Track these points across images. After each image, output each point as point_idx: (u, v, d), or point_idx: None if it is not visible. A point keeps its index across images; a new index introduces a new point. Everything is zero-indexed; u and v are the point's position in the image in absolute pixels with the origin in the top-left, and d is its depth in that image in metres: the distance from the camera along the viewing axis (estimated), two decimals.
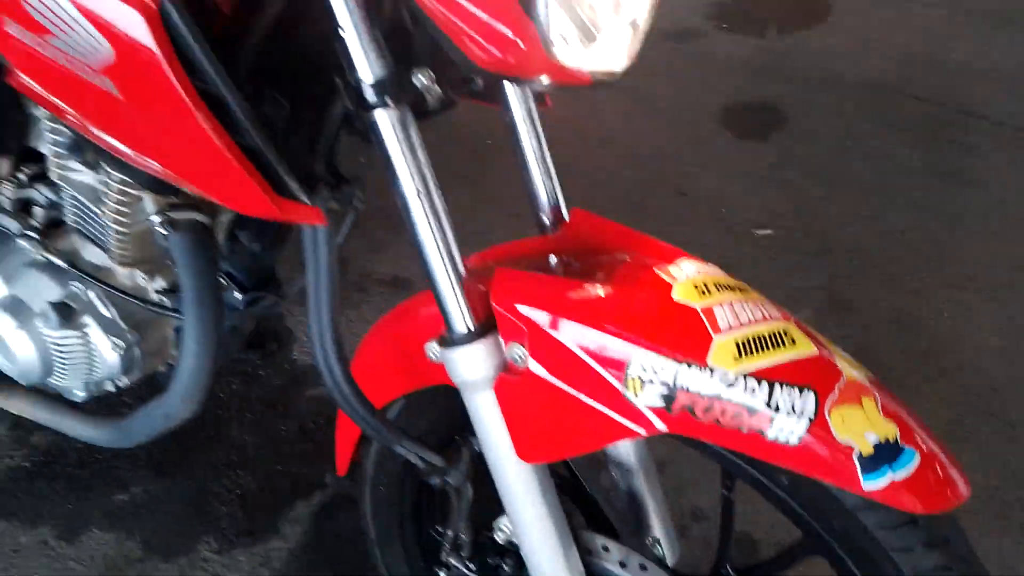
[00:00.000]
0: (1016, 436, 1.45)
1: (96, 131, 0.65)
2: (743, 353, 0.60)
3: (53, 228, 0.99)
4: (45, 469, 1.42)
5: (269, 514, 1.35)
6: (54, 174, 0.92)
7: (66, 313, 0.95)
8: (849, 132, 2.15)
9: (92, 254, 0.97)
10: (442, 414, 0.84)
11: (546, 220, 0.80)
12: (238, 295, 0.96)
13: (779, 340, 0.62)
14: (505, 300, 0.65)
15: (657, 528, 0.85)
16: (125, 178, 0.84)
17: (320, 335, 0.70)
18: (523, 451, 0.68)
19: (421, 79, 0.62)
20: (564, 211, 0.79)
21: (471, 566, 0.81)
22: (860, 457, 0.58)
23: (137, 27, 0.55)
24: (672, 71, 2.36)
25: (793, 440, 0.59)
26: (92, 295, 0.97)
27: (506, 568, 0.81)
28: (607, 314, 0.62)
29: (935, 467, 0.60)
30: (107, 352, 0.98)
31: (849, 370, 0.63)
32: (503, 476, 0.71)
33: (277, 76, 0.66)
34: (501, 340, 0.66)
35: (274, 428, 1.49)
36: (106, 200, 0.88)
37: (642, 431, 0.62)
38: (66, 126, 0.79)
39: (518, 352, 0.65)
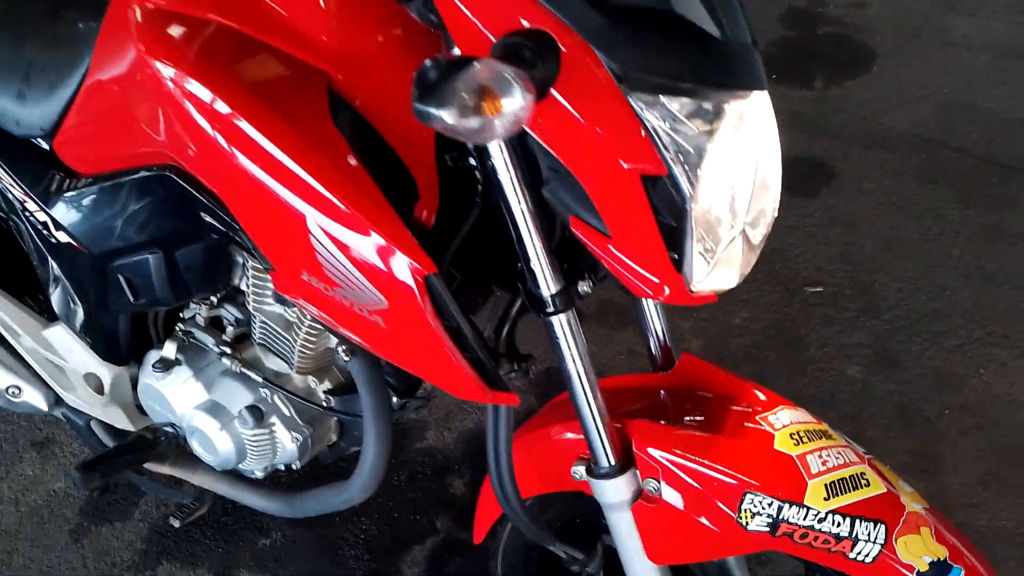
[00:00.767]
0: None
1: (349, 334, 0.86)
2: (830, 495, 0.80)
3: (240, 342, 1.21)
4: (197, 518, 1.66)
5: (391, 557, 1.58)
6: (251, 305, 1.13)
7: (257, 414, 1.17)
8: (895, 188, 2.30)
9: (274, 363, 1.19)
10: (569, 508, 1.05)
11: (658, 359, 1.00)
12: (395, 399, 1.18)
13: (858, 483, 0.81)
14: (643, 446, 0.85)
15: None
16: (316, 322, 1.05)
17: (498, 471, 0.91)
18: (653, 555, 0.88)
19: (583, 287, 0.82)
20: (673, 354, 0.99)
21: None
22: (919, 574, 0.78)
23: (410, 292, 0.74)
24: None
25: (868, 560, 0.79)
26: (276, 399, 1.19)
27: None
28: (725, 460, 0.82)
29: None
30: (288, 444, 1.20)
31: (911, 504, 0.82)
32: (635, 571, 0.91)
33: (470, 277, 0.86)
34: (638, 474, 0.86)
35: (388, 478, 1.71)
36: (297, 329, 1.10)
37: (751, 548, 0.82)
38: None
39: (652, 485, 0.85)
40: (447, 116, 0.53)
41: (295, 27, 0.80)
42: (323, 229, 0.75)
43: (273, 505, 1.29)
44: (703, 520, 0.83)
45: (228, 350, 1.19)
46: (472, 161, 0.83)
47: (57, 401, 1.41)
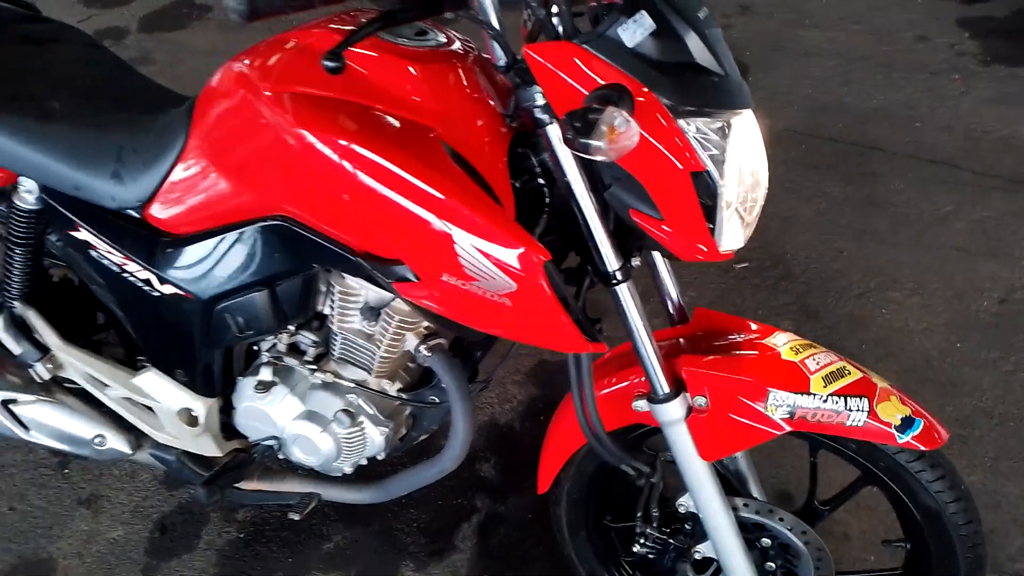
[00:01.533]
0: (948, 391, 2.05)
1: (464, 323, 1.12)
2: (827, 383, 1.13)
3: (318, 360, 1.43)
4: (258, 536, 1.83)
5: (445, 536, 1.81)
6: (336, 324, 1.35)
7: (350, 415, 1.40)
8: (786, 176, 2.75)
9: (352, 372, 1.41)
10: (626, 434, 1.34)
11: (675, 316, 1.32)
12: None
13: (843, 372, 1.15)
14: (691, 371, 1.15)
15: (756, 491, 1.38)
16: (400, 327, 1.30)
17: (583, 406, 1.19)
18: (705, 453, 1.19)
19: (634, 262, 1.12)
20: (686, 310, 1.31)
21: (665, 530, 1.32)
22: (895, 427, 1.12)
23: (534, 276, 1.01)
24: None
25: (860, 424, 1.12)
26: (361, 401, 1.42)
27: (687, 527, 1.32)
28: (750, 371, 1.14)
29: (930, 427, 1.14)
30: (377, 438, 1.43)
31: (880, 382, 1.16)
32: (692, 471, 1.21)
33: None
34: (687, 394, 1.17)
35: None
36: (380, 340, 1.33)
37: (777, 432, 1.14)
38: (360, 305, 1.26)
39: (701, 400, 1.16)
40: (600, 145, 0.82)
41: (405, 97, 1.07)
42: (466, 239, 1.02)
43: (364, 495, 1.51)
44: (740, 419, 1.15)
45: (314, 366, 1.41)
46: (540, 181, 1.13)
47: (139, 444, 1.57)
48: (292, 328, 1.40)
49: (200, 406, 1.44)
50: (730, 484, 1.38)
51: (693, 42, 0.97)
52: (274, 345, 1.42)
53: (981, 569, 1.23)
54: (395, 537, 1.81)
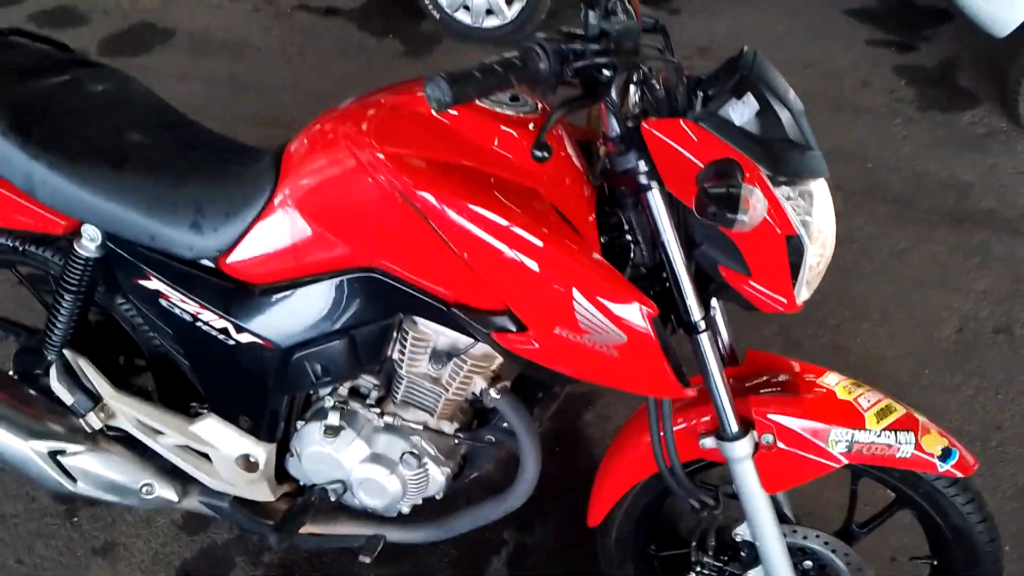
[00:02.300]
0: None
1: (563, 372, 1.18)
2: (879, 419, 1.26)
3: (380, 403, 1.47)
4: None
5: (476, 571, 1.85)
6: (404, 368, 1.39)
7: (417, 457, 1.44)
8: None
9: (413, 415, 1.46)
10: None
11: (726, 357, 1.42)
12: None
13: (890, 409, 1.28)
14: (762, 412, 1.26)
15: (789, 514, 1.50)
16: (471, 371, 1.35)
17: (660, 443, 1.28)
18: (767, 487, 1.29)
19: (716, 310, 1.22)
20: (736, 352, 1.42)
21: (722, 558, 1.42)
22: (937, 457, 1.26)
23: (645, 328, 1.09)
24: None
25: (908, 455, 1.25)
26: (423, 442, 1.46)
27: (743, 555, 1.42)
28: (814, 411, 1.26)
29: (963, 456, 1.28)
30: (439, 477, 1.47)
31: (920, 417, 1.30)
32: (753, 504, 1.31)
33: None
34: (755, 432, 1.27)
35: (455, 506, 1.97)
36: (449, 383, 1.38)
37: (837, 465, 1.26)
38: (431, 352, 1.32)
39: (768, 438, 1.27)
40: (744, 219, 0.92)
41: (511, 161, 1.15)
42: (584, 295, 1.09)
43: (427, 533, 1.55)
44: (804, 454, 1.26)
45: (378, 410, 1.44)
46: (628, 238, 1.21)
47: (185, 492, 1.56)
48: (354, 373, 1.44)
49: (261, 452, 1.46)
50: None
51: (787, 120, 1.08)
52: (335, 389, 1.46)
53: None
54: (428, 573, 1.84)
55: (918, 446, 1.26)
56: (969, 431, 2.21)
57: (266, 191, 1.28)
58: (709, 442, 1.30)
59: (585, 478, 1.66)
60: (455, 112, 1.17)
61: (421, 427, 1.44)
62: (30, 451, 1.47)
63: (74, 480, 1.49)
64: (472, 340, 1.29)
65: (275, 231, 1.28)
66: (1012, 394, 2.31)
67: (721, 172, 1.01)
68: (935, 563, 1.43)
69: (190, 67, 3.60)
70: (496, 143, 1.16)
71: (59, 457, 1.46)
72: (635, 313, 1.09)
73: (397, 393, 1.44)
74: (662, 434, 1.28)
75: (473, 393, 1.41)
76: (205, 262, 1.34)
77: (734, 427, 1.26)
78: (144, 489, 1.52)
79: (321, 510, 1.60)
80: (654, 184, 1.11)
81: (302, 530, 1.56)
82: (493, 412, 1.47)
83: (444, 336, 1.34)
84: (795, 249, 1.11)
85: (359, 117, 1.20)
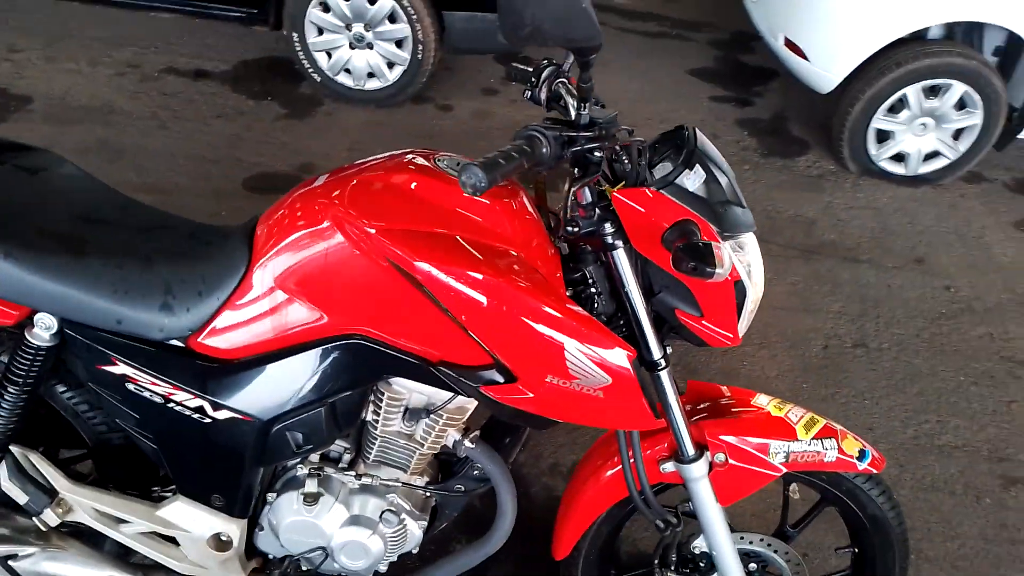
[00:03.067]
0: None
1: (551, 416, 1.28)
2: (807, 431, 1.47)
3: (352, 465, 1.50)
4: None
5: None
6: (380, 428, 1.44)
7: (395, 514, 1.48)
8: None
9: (386, 472, 1.51)
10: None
11: None
12: None
13: (813, 421, 1.49)
14: (714, 434, 1.43)
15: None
16: (446, 425, 1.43)
17: (632, 472, 1.41)
18: (723, 500, 1.46)
19: (668, 350, 1.38)
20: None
21: (684, 570, 1.57)
22: (855, 458, 1.48)
23: (627, 370, 1.21)
24: None
25: (833, 459, 1.46)
26: (399, 498, 1.51)
27: (702, 565, 1.57)
28: (755, 429, 1.44)
29: (875, 455, 1.52)
30: (416, 531, 1.52)
31: (837, 426, 1.52)
32: (709, 517, 1.47)
33: None
34: (708, 453, 1.44)
35: (447, 540, 1.99)
36: (424, 438, 1.45)
37: (778, 474, 1.45)
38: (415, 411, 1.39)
39: (720, 457, 1.43)
40: (721, 272, 1.08)
41: (488, 226, 1.26)
42: (574, 345, 1.20)
43: None
44: (751, 467, 1.44)
45: (353, 472, 1.48)
46: (593, 290, 1.35)
47: None
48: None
49: (235, 528, 1.44)
50: None
51: (726, 184, 1.28)
52: (307, 457, 1.48)
53: (907, 558, 1.63)
54: None
55: (840, 450, 1.47)
56: None
57: (240, 268, 1.31)
58: (669, 466, 1.45)
59: (528, 515, 1.76)
60: (417, 182, 1.27)
61: (397, 484, 1.49)
62: None
63: None
64: (449, 395, 1.37)
65: (252, 306, 1.31)
66: (876, 399, 2.66)
67: (684, 232, 1.17)
68: (856, 551, 1.65)
69: (55, 135, 3.42)
70: (475, 211, 1.26)
71: (10, 563, 1.37)
72: (620, 357, 1.22)
73: (369, 453, 1.48)
74: (632, 462, 1.42)
75: (444, 445, 1.48)
76: (175, 342, 1.34)
77: (691, 451, 1.42)
78: None
79: None
80: (619, 243, 1.26)
81: None
82: (461, 462, 1.54)
83: (418, 393, 1.40)
84: (740, 292, 1.30)
85: (338, 193, 1.27)
